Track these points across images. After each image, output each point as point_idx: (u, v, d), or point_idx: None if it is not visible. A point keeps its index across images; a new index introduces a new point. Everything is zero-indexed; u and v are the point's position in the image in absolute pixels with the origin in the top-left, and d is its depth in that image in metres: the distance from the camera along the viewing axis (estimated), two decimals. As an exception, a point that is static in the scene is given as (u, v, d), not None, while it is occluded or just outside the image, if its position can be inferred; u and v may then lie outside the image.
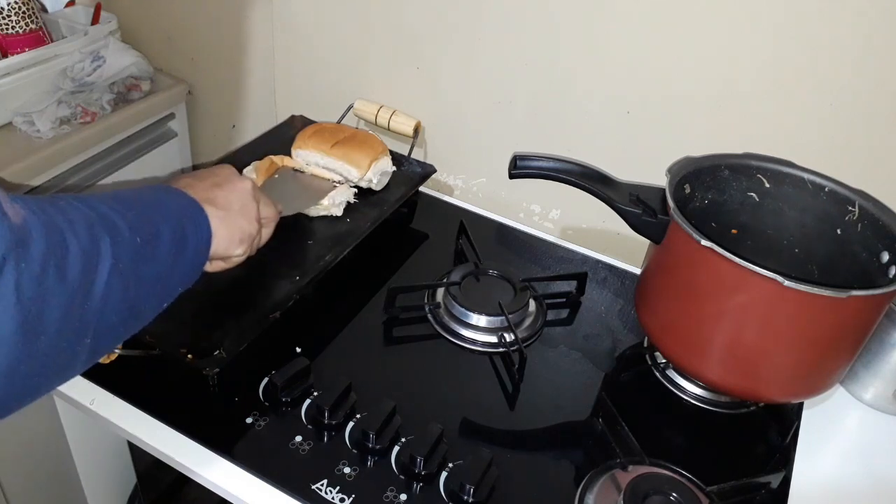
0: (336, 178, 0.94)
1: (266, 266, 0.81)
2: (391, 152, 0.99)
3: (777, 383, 0.71)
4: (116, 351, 0.66)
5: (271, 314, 0.75)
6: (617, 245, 1.01)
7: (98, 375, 0.70)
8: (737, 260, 0.63)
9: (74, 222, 0.44)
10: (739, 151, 0.81)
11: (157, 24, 1.26)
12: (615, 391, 0.78)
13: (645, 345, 0.85)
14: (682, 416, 0.78)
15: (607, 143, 0.96)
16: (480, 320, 0.82)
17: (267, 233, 0.71)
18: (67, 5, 1.23)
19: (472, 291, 0.85)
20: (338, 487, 0.63)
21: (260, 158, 0.95)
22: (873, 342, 0.78)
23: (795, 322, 0.66)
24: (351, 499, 0.63)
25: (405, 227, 1.01)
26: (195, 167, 1.35)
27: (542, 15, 0.91)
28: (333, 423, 0.68)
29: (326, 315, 0.82)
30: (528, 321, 0.85)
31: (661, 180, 0.75)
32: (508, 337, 0.81)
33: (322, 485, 0.63)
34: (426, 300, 0.86)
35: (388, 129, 1.08)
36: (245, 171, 0.92)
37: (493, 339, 0.81)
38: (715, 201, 0.81)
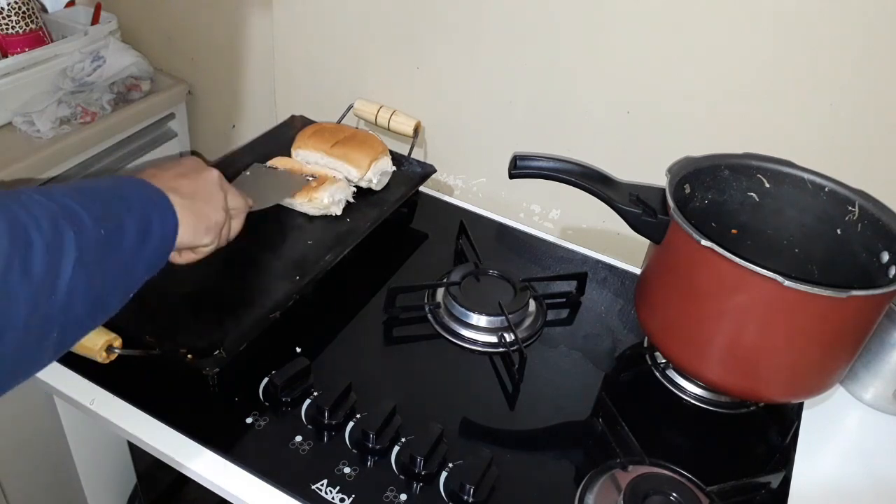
0: (333, 173, 0.93)
1: (266, 266, 0.81)
2: (391, 152, 0.99)
3: (777, 383, 0.71)
4: (116, 351, 0.66)
5: (271, 314, 0.75)
6: (617, 245, 1.01)
7: (98, 375, 0.70)
8: (737, 260, 0.63)
9: (38, 217, 0.44)
10: (739, 151, 0.81)
11: (157, 24, 1.26)
12: (615, 391, 0.78)
13: (645, 345, 0.85)
14: (682, 416, 0.78)
15: (607, 143, 0.96)
16: (480, 320, 0.82)
17: (237, 224, 0.70)
18: (67, 5, 1.23)
19: (472, 291, 0.85)
20: (338, 487, 0.63)
21: (260, 158, 0.95)
22: (873, 342, 0.78)
23: (795, 322, 0.66)
24: (351, 499, 0.63)
25: (405, 227, 1.01)
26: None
27: (543, 15, 0.91)
28: (333, 423, 0.68)
29: (326, 315, 0.82)
30: (528, 321, 0.85)
31: (661, 180, 0.75)
32: (508, 337, 0.81)
33: (322, 485, 0.63)
34: (426, 300, 0.86)
35: (388, 129, 1.08)
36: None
37: (493, 339, 0.81)
38: (715, 201, 0.81)
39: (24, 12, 1.09)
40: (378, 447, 0.66)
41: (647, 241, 0.77)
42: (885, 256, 0.71)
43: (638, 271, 0.82)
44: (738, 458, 0.74)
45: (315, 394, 0.71)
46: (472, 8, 0.96)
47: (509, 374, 0.79)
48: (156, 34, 1.27)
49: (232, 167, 0.92)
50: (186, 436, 0.67)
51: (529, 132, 1.01)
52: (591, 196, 0.76)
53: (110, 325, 0.63)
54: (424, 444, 0.65)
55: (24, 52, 1.09)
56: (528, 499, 0.66)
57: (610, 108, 0.93)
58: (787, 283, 0.61)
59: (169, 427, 0.67)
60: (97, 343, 0.65)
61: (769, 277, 0.62)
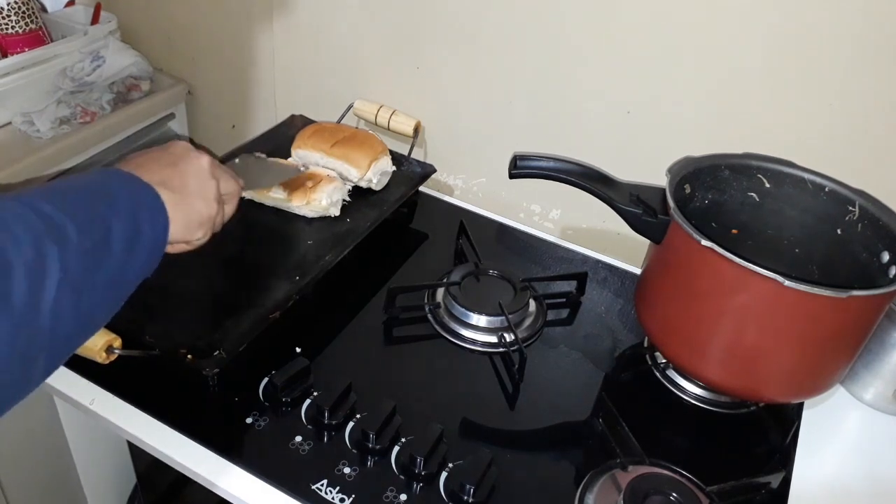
0: (331, 172, 0.93)
1: (266, 266, 0.81)
2: (391, 152, 0.99)
3: (777, 383, 0.71)
4: (116, 351, 0.66)
5: (271, 314, 0.75)
6: (617, 245, 1.01)
7: (98, 375, 0.70)
8: (737, 260, 0.63)
9: (16, 234, 0.40)
10: (739, 151, 0.81)
11: (157, 24, 1.26)
12: (615, 391, 0.78)
13: (645, 345, 0.85)
14: (682, 416, 0.78)
15: (607, 143, 0.96)
16: (480, 320, 0.82)
17: (230, 209, 0.66)
18: (67, 5, 1.23)
19: (472, 291, 0.85)
20: (338, 487, 0.63)
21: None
22: (873, 342, 0.78)
23: (795, 322, 0.66)
24: (351, 499, 0.62)
25: (405, 227, 1.01)
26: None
27: (542, 15, 0.91)
28: (333, 423, 0.68)
29: (326, 315, 0.82)
30: (528, 321, 0.85)
31: (661, 180, 0.75)
32: (508, 337, 0.81)
33: (322, 485, 0.63)
34: (426, 300, 0.86)
35: (388, 129, 1.08)
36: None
37: (494, 339, 0.81)
38: (715, 201, 0.81)
39: (23, 12, 1.09)
40: (378, 447, 0.66)
41: (647, 241, 0.77)
42: (886, 256, 0.71)
43: (638, 271, 0.82)
44: (738, 458, 0.74)
45: (315, 394, 0.71)
46: (472, 8, 0.96)
47: (509, 374, 0.79)
48: (156, 34, 1.27)
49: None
50: (186, 436, 0.67)
51: (529, 132, 1.01)
52: (591, 196, 0.76)
53: (110, 326, 0.63)
54: (424, 444, 0.65)
55: (24, 51, 1.08)
56: (528, 499, 0.66)
57: (610, 108, 0.93)
58: (787, 283, 0.61)
59: (169, 427, 0.67)
60: (97, 343, 0.65)
61: (769, 277, 0.62)
